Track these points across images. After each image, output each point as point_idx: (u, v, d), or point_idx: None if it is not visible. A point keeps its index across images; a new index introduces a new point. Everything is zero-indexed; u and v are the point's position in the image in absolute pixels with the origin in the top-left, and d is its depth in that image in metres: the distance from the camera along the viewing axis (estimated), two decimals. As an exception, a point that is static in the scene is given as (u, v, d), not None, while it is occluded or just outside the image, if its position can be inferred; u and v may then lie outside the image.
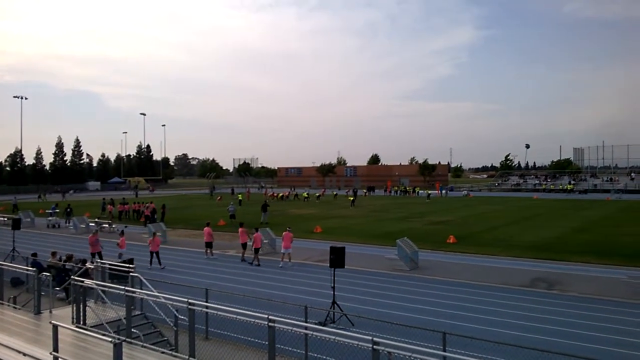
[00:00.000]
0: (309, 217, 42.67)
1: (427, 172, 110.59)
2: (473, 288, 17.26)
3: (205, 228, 24.62)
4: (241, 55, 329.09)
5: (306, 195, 68.30)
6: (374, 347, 6.72)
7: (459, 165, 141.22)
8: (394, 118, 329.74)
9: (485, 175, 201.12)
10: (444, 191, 79.21)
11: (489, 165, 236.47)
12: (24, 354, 8.62)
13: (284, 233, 22.18)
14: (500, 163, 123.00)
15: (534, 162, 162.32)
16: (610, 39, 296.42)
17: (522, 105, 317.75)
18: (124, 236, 22.12)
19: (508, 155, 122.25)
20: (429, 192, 73.68)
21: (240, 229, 23.74)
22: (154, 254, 21.58)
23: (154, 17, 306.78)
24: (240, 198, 60.50)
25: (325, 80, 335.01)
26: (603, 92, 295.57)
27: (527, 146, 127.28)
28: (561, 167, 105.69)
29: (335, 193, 75.36)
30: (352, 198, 58.47)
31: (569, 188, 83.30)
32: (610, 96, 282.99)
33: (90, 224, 35.45)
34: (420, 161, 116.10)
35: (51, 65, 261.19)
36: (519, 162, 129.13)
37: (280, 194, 71.68)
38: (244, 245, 23.24)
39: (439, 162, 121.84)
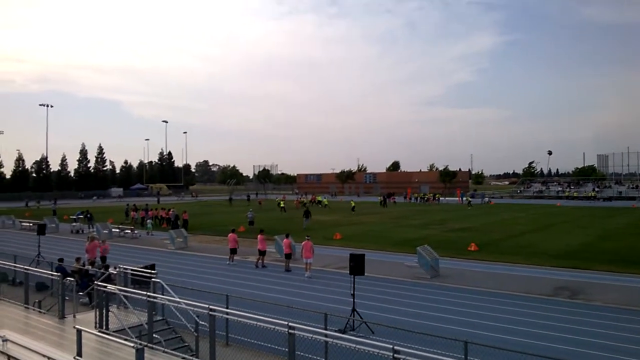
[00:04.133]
0: (329, 224, 42.64)
1: (447, 178, 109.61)
2: (495, 296, 17.03)
3: (230, 234, 24.74)
4: (261, 63, 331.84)
5: (327, 203, 68.48)
6: (395, 355, 6.68)
7: (480, 172, 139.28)
8: (414, 124, 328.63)
9: (507, 182, 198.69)
10: (464, 198, 77.82)
11: (511, 172, 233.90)
12: (49, 358, 8.78)
13: (303, 242, 21.47)
14: (523, 170, 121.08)
15: (557, 169, 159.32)
16: (630, 42, 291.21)
17: (543, 111, 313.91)
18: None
19: (532, 162, 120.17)
20: (469, 199, 70.95)
21: (259, 236, 23.72)
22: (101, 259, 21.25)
23: (174, 27, 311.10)
24: (282, 205, 60.28)
25: (344, 87, 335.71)
26: (627, 98, 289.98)
27: (550, 152, 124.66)
28: (585, 174, 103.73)
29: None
30: (354, 204, 58.15)
31: (592, 195, 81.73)
32: (636, 101, 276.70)
33: (114, 230, 36.10)
34: (441, 168, 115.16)
35: (75, 74, 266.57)
36: (541, 168, 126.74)
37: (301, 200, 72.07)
38: (262, 252, 23.28)
39: (460, 169, 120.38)
